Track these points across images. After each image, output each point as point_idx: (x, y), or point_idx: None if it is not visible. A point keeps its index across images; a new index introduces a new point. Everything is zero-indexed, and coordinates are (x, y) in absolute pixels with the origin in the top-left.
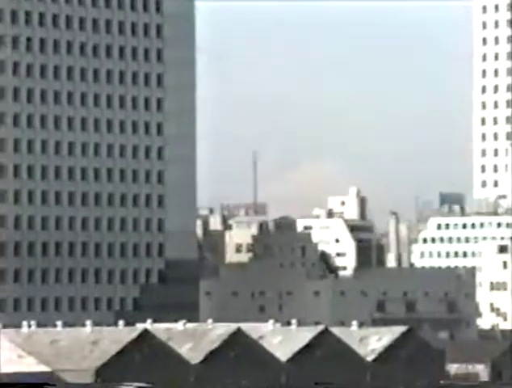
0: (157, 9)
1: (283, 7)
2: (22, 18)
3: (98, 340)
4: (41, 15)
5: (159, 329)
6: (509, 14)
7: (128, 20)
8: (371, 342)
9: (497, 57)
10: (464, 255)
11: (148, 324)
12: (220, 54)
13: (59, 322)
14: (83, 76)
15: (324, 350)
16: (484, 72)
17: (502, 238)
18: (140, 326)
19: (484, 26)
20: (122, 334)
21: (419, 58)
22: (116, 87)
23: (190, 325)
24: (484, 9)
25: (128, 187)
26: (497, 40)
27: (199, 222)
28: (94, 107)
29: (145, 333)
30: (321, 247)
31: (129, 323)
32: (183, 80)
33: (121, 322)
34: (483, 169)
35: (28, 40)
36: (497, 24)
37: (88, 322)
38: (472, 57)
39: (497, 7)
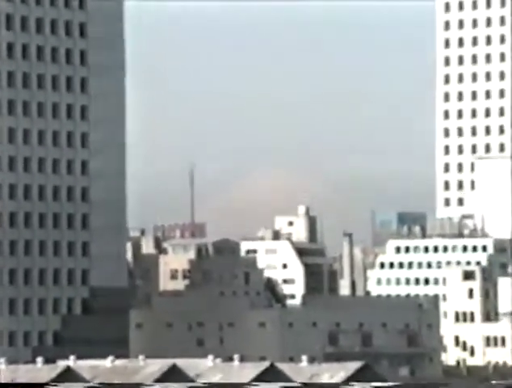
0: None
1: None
2: None
3: (13, 380)
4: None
5: (83, 366)
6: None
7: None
8: (323, 380)
9: (461, 61)
10: (426, 282)
11: (70, 361)
12: (150, 58)
13: None
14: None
15: None
16: (446, 77)
17: (468, 264)
18: (61, 364)
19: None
20: (41, 373)
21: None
22: (35, 93)
23: (119, 361)
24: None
25: (47, 206)
26: (461, 42)
27: (129, 245)
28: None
29: (68, 371)
30: (266, 273)
31: (49, 360)
32: (111, 84)
33: (40, 359)
34: (446, 186)
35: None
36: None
37: (1, 360)
38: (435, 62)
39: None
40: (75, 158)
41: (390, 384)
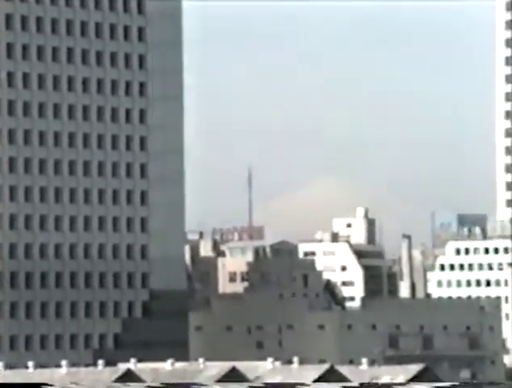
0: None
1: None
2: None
3: (74, 383)
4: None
5: (144, 369)
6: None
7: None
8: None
9: None
10: (487, 283)
11: (131, 364)
12: (210, 61)
13: (30, 363)
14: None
15: None
16: (507, 78)
17: None
18: (122, 367)
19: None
20: (102, 375)
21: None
22: (94, 97)
23: (179, 364)
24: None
25: (107, 210)
26: None
27: (187, 248)
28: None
29: (128, 374)
30: (325, 276)
31: (110, 363)
32: (170, 86)
33: (101, 362)
34: (508, 186)
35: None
36: None
37: (63, 363)
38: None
39: None
40: (134, 162)
41: (448, 384)
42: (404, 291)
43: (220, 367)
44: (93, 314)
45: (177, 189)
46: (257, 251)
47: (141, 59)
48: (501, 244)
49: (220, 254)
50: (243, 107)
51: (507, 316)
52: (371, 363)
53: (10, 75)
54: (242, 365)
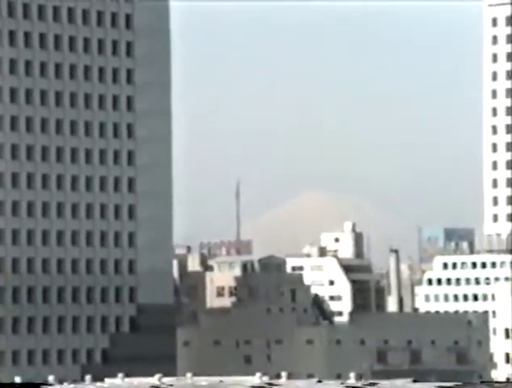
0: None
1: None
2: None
3: None
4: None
5: (131, 384)
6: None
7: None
8: None
9: (510, 75)
10: (475, 298)
11: (119, 379)
12: (197, 74)
13: (17, 378)
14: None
15: None
16: (494, 92)
17: None
18: (109, 382)
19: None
20: None
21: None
22: (82, 111)
23: (166, 379)
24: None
25: (94, 224)
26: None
27: (175, 263)
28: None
29: None
30: (313, 290)
31: (97, 378)
32: (157, 103)
33: (88, 377)
34: (495, 201)
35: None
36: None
37: (50, 378)
38: (482, 76)
39: None
40: (121, 176)
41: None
42: (391, 305)
43: (208, 381)
44: (80, 329)
45: (164, 203)
46: (245, 266)
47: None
48: (489, 258)
49: (208, 268)
50: (232, 119)
51: (494, 331)
52: (359, 378)
53: None
54: (230, 380)
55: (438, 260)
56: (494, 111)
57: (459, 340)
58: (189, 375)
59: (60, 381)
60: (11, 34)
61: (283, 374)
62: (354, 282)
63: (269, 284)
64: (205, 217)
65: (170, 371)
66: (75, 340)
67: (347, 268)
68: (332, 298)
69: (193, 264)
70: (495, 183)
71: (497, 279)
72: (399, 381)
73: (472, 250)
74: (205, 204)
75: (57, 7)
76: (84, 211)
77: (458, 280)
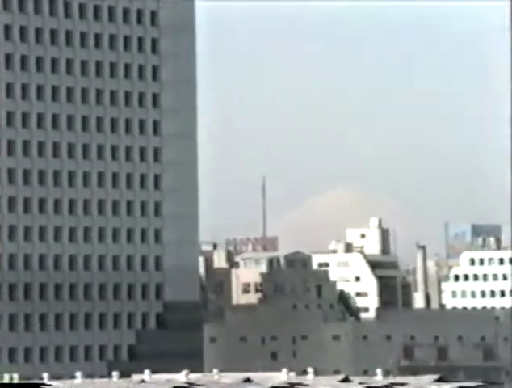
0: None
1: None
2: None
3: None
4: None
5: (158, 380)
6: None
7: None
8: None
9: None
10: (502, 294)
11: (145, 375)
12: (223, 71)
13: (45, 375)
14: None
15: None
16: None
17: None
18: (136, 378)
19: None
20: (116, 386)
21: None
22: (108, 109)
23: (193, 375)
24: None
25: (121, 221)
26: None
27: (201, 259)
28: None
29: (143, 385)
30: (339, 286)
31: (124, 375)
32: (182, 101)
33: (115, 373)
34: None
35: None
36: None
37: (78, 374)
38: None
39: None
40: (148, 172)
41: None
42: (418, 302)
43: (234, 378)
44: (107, 326)
45: (191, 200)
46: (271, 262)
47: (154, 70)
48: None
49: (234, 265)
50: (257, 118)
51: None
52: (386, 374)
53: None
54: (256, 376)
55: (465, 256)
56: None
57: (485, 336)
58: (215, 371)
59: (88, 377)
60: (37, 31)
61: (310, 370)
62: (380, 278)
63: (295, 281)
64: (231, 213)
65: (197, 367)
66: (102, 337)
67: (373, 264)
68: (358, 294)
69: (219, 261)
70: None
71: None
72: (425, 378)
73: (498, 246)
74: (231, 201)
75: (83, 4)
76: (110, 208)
77: (485, 276)
